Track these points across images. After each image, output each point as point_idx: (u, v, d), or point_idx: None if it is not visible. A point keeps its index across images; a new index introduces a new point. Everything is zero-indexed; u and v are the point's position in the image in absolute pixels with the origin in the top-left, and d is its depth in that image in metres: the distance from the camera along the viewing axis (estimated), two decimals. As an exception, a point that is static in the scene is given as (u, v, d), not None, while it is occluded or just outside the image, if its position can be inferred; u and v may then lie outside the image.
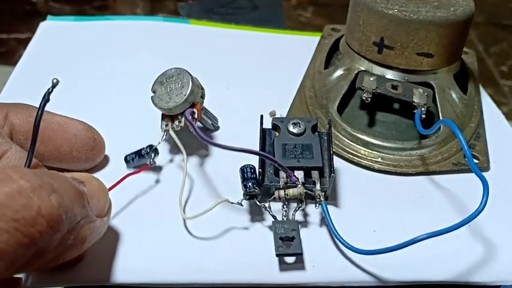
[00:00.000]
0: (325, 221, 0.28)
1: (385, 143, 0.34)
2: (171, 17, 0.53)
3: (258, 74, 0.42)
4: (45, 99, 0.23)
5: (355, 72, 0.36)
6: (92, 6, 0.92)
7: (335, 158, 0.33)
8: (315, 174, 0.29)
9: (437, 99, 0.35)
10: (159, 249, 0.27)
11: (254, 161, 0.29)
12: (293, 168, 0.29)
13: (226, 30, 0.49)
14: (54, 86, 0.23)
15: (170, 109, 0.31)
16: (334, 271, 0.27)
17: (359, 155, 0.34)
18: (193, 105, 0.31)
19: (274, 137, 0.31)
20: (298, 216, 0.29)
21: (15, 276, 0.22)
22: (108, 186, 0.26)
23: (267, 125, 0.32)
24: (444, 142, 0.35)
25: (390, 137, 0.35)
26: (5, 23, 0.86)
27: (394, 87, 0.35)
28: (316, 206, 0.28)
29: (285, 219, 0.28)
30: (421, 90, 0.34)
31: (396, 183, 0.33)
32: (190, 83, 0.31)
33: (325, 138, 0.31)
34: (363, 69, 0.36)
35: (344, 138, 0.35)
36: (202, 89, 0.32)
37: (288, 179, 0.28)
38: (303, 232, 0.28)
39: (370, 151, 0.34)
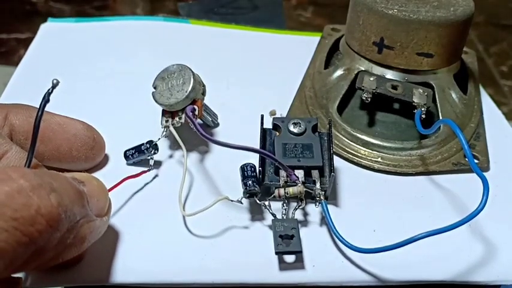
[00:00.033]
0: (325, 220, 0.28)
1: (385, 143, 0.34)
2: (171, 17, 0.53)
3: (258, 74, 0.42)
4: (45, 99, 0.23)
5: (355, 72, 0.36)
6: (92, 6, 0.92)
7: (335, 157, 0.33)
8: (315, 173, 0.29)
9: (437, 99, 0.35)
10: (159, 249, 0.27)
11: (254, 159, 0.29)
12: (293, 168, 0.29)
13: (226, 30, 0.49)
14: (54, 86, 0.23)
15: (171, 105, 0.31)
16: (334, 271, 0.27)
17: (359, 154, 0.34)
18: (194, 102, 0.31)
19: (274, 137, 0.31)
20: (298, 216, 0.29)
21: (15, 276, 0.23)
22: (108, 186, 0.26)
23: (268, 124, 0.32)
24: (444, 142, 0.35)
25: (390, 137, 0.35)
26: (5, 23, 0.86)
27: (394, 87, 0.35)
28: (316, 205, 0.28)
29: (284, 217, 0.28)
30: (421, 90, 0.34)
31: (396, 183, 0.33)
32: (192, 79, 0.31)
33: (325, 138, 0.31)
34: (363, 69, 0.36)
35: (344, 138, 0.35)
36: (204, 85, 0.33)
37: (288, 178, 0.28)
38: (303, 232, 0.28)
39: (370, 151, 0.34)
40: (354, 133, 0.35)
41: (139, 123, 0.34)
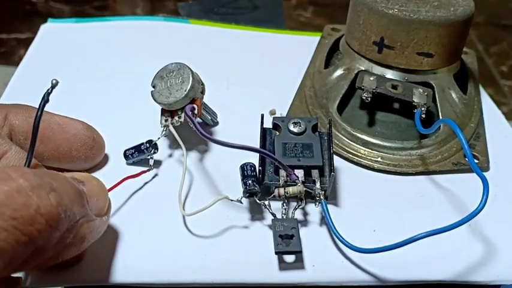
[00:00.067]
0: (325, 220, 0.28)
1: (385, 143, 0.34)
2: (171, 17, 0.53)
3: (258, 74, 0.42)
4: (45, 99, 0.23)
5: (355, 71, 0.36)
6: (92, 6, 0.92)
7: (335, 157, 0.33)
8: (315, 173, 0.29)
9: (437, 99, 0.35)
10: (158, 249, 0.27)
11: (254, 159, 0.29)
12: (293, 167, 0.29)
13: (226, 30, 0.49)
14: (53, 86, 0.23)
15: (170, 104, 0.31)
16: (334, 271, 0.27)
17: (359, 154, 0.34)
18: (193, 101, 0.31)
19: (274, 136, 0.31)
20: (298, 216, 0.29)
21: (15, 275, 0.23)
22: (107, 186, 0.26)
23: (268, 124, 0.32)
24: (444, 142, 0.35)
25: (390, 137, 0.35)
26: (5, 23, 0.86)
27: (394, 87, 0.35)
28: (316, 205, 0.28)
29: (284, 217, 0.28)
30: (421, 90, 0.34)
31: (396, 182, 0.33)
32: (191, 78, 0.31)
33: (325, 137, 0.31)
34: (363, 68, 0.36)
35: (344, 138, 0.35)
36: (203, 84, 0.33)
37: (288, 178, 0.28)
38: (303, 231, 0.28)
39: (370, 151, 0.34)
40: (354, 133, 0.35)
41: (139, 123, 0.34)
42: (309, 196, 0.29)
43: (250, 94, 0.40)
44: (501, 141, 0.37)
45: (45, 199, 0.20)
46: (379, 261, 0.27)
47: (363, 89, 0.34)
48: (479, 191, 0.25)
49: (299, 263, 0.27)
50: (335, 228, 0.27)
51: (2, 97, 0.37)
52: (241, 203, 0.29)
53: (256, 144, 0.31)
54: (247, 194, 0.28)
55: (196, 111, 0.31)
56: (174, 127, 0.31)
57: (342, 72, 0.37)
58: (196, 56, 0.38)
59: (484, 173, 0.27)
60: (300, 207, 0.28)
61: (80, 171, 0.30)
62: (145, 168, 0.31)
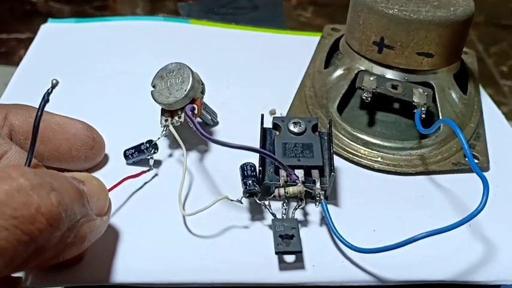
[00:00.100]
0: (325, 220, 0.28)
1: (385, 143, 0.34)
2: (171, 17, 0.53)
3: (258, 74, 0.42)
4: (45, 99, 0.23)
5: (355, 71, 0.36)
6: (92, 6, 0.92)
7: (335, 157, 0.33)
8: (315, 173, 0.29)
9: (437, 99, 0.35)
10: (158, 248, 0.27)
11: (254, 159, 0.29)
12: (293, 167, 0.29)
13: (226, 30, 0.49)
14: (53, 86, 0.23)
15: (170, 104, 0.31)
16: (334, 271, 0.27)
17: (359, 154, 0.34)
18: (193, 101, 0.31)
19: (274, 136, 0.31)
20: (298, 215, 0.29)
21: (16, 275, 0.23)
22: (108, 186, 0.26)
23: (268, 124, 0.32)
24: (444, 142, 0.35)
25: (390, 137, 0.35)
26: (5, 23, 0.86)
27: (394, 87, 0.35)
28: (316, 205, 0.28)
29: (284, 217, 0.28)
30: (421, 90, 0.34)
31: (396, 182, 0.33)
32: (191, 78, 0.31)
33: (326, 137, 0.31)
34: (363, 68, 0.36)
35: (344, 138, 0.35)
36: (203, 84, 0.33)
37: (288, 178, 0.28)
38: (303, 231, 0.28)
39: (370, 151, 0.34)
40: (354, 133, 0.35)
41: (139, 123, 0.34)
42: (309, 196, 0.29)
43: (250, 94, 0.40)
44: (501, 141, 0.37)
45: (46, 198, 0.20)
46: (379, 261, 0.27)
47: (363, 89, 0.34)
48: (479, 191, 0.25)
49: (299, 263, 0.27)
50: (335, 228, 0.27)
51: (2, 97, 0.37)
52: (241, 203, 0.29)
53: (256, 144, 0.31)
54: (248, 194, 0.28)
55: (196, 111, 0.31)
56: (174, 127, 0.31)
57: (342, 72, 0.37)
58: (196, 56, 0.38)
59: (484, 173, 0.27)
60: (300, 207, 0.28)
61: (80, 171, 0.30)
62: (145, 168, 0.31)
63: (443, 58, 0.35)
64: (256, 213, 0.29)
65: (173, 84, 0.31)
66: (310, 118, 0.32)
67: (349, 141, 0.35)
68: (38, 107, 0.23)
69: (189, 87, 0.31)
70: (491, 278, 0.27)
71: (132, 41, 0.45)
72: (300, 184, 0.28)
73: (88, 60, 0.42)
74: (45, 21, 0.47)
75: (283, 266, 0.27)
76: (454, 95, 0.37)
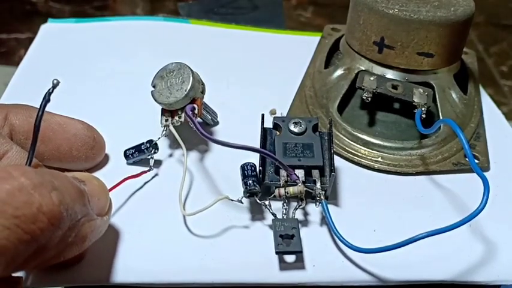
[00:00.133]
0: (325, 220, 0.28)
1: (386, 143, 0.34)
2: (171, 17, 0.53)
3: (258, 74, 0.42)
4: (46, 99, 0.23)
5: (356, 71, 0.36)
6: (92, 6, 0.92)
7: (335, 157, 0.33)
8: (315, 173, 0.29)
9: (438, 99, 0.35)
10: (159, 248, 0.27)
11: (255, 159, 0.29)
12: (294, 167, 0.29)
13: (226, 30, 0.49)
14: (54, 86, 0.23)
15: (170, 104, 0.31)
16: (335, 271, 0.27)
17: (359, 154, 0.34)
18: (193, 101, 0.31)
19: (275, 136, 0.31)
20: (299, 215, 0.29)
21: (16, 275, 0.22)
22: (108, 186, 0.26)
23: (268, 124, 0.32)
24: (444, 142, 0.35)
25: (390, 137, 0.35)
26: (5, 23, 0.86)
27: (394, 87, 0.35)
28: (316, 205, 0.28)
29: (285, 217, 0.28)
30: (421, 90, 0.34)
31: (396, 182, 0.33)
32: (191, 78, 0.31)
33: (326, 137, 0.31)
34: (363, 68, 0.36)
35: (344, 138, 0.35)
36: (203, 84, 0.33)
37: (289, 178, 0.28)
38: (303, 231, 0.28)
39: (371, 151, 0.34)
40: (354, 133, 0.35)
41: (139, 123, 0.34)
42: (310, 196, 0.29)
43: (251, 94, 0.40)
44: (501, 141, 0.37)
45: (47, 197, 0.20)
46: (380, 261, 0.27)
47: (363, 89, 0.34)
48: (479, 191, 0.25)
49: (299, 263, 0.27)
50: (335, 228, 0.27)
51: (2, 97, 0.37)
52: (241, 203, 0.29)
53: (257, 144, 0.31)
54: (248, 194, 0.28)
55: (196, 111, 0.31)
56: (174, 127, 0.31)
57: (342, 72, 0.37)
58: (196, 56, 0.38)
59: (485, 173, 0.27)
60: (301, 207, 0.28)
61: (81, 171, 0.30)
62: (145, 168, 0.31)
63: (443, 58, 0.35)
64: (256, 213, 0.29)
65: (173, 84, 0.31)
66: (310, 118, 0.32)
67: (350, 141, 0.35)
68: (39, 107, 0.23)
69: (189, 87, 0.31)
70: (491, 278, 0.27)
71: (132, 41, 0.45)
72: (300, 184, 0.28)
73: (88, 60, 0.42)
74: (45, 21, 0.47)
75: (284, 266, 0.27)
76: (454, 95, 0.37)
